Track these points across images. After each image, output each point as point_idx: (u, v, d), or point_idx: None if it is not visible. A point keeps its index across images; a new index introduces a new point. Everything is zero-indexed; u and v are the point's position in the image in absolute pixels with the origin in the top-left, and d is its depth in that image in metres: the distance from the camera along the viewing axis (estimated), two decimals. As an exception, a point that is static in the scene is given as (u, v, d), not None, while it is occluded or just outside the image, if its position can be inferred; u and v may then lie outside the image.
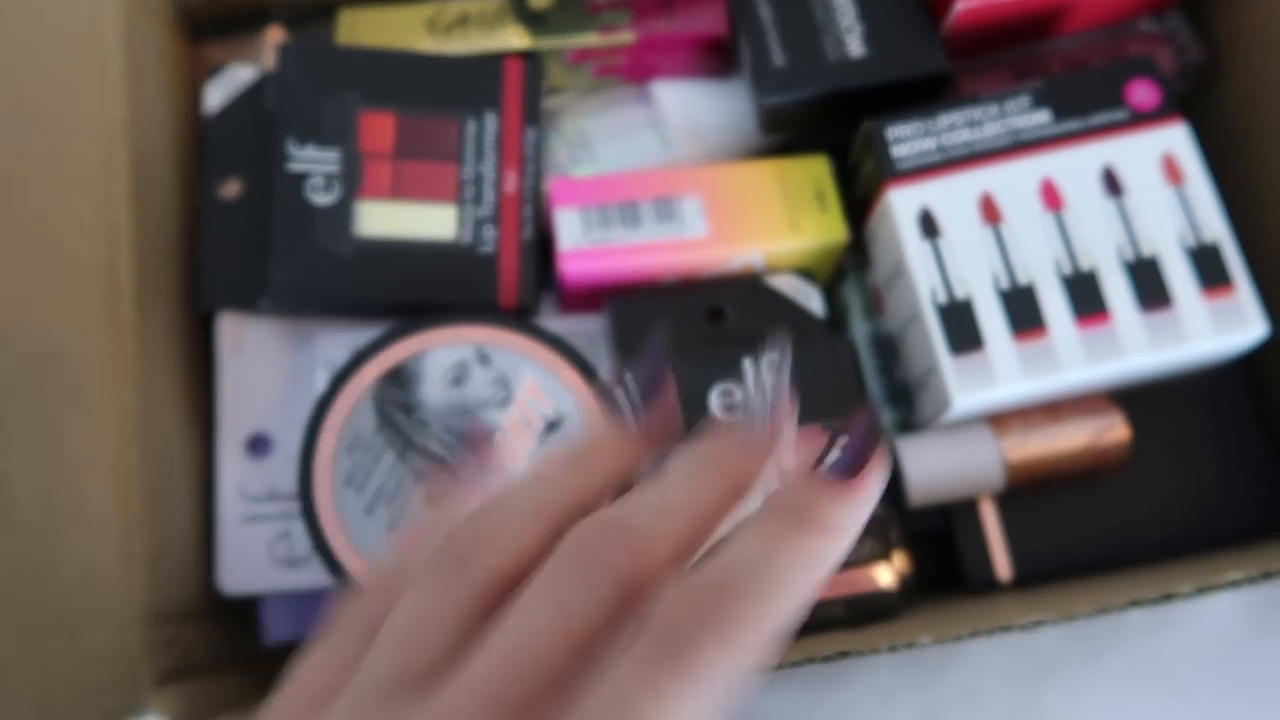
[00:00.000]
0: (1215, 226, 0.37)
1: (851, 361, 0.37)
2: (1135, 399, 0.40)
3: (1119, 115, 0.38)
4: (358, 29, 0.42)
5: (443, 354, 0.36)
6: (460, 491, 0.20)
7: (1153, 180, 0.38)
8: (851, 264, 0.44)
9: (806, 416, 0.36)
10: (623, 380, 0.20)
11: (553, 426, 0.36)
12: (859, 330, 0.43)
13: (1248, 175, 0.42)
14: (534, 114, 0.41)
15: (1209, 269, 0.37)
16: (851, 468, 0.18)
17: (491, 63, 0.41)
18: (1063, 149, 0.38)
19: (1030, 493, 0.40)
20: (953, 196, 0.38)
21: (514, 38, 0.42)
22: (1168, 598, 0.30)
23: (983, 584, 0.39)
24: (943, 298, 0.37)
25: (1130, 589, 0.32)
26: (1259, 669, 0.43)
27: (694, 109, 0.43)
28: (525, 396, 0.36)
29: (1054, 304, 0.37)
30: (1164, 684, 0.43)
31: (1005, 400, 0.37)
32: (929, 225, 0.38)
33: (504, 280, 0.39)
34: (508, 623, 0.15)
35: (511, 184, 0.40)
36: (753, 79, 0.39)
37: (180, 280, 0.41)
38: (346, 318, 0.40)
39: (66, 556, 0.31)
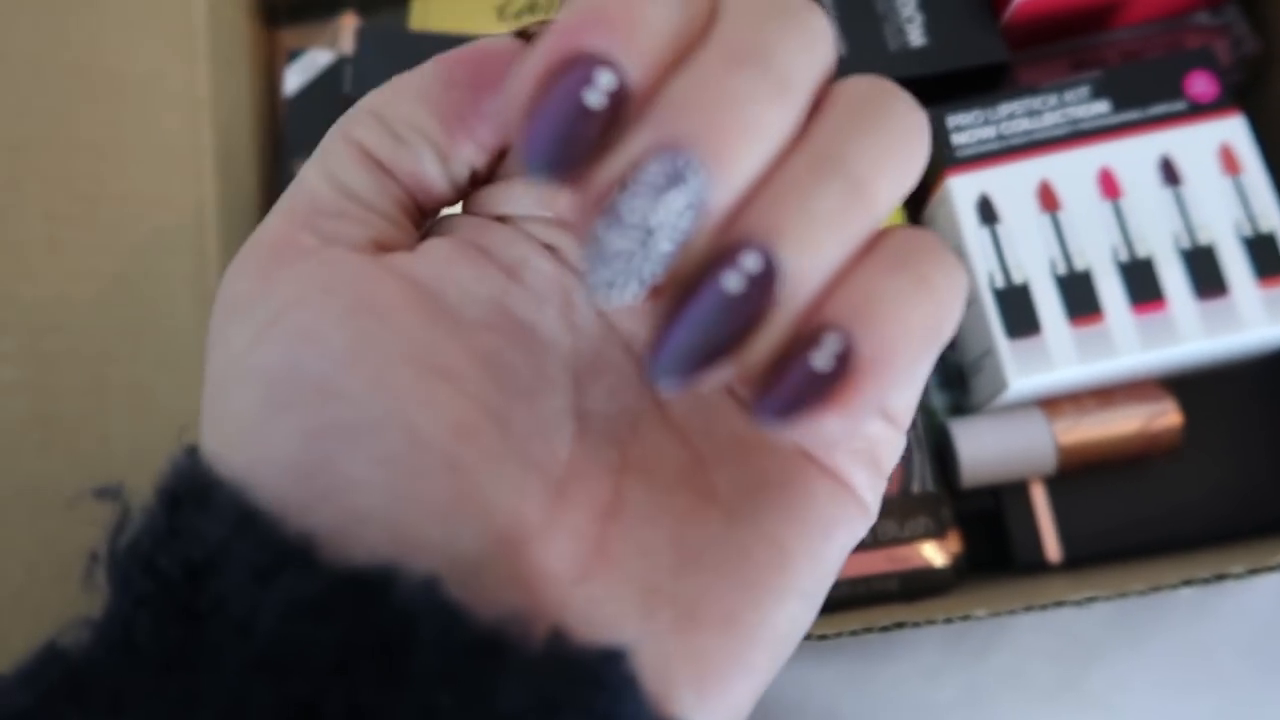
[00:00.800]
0: (1272, 216, 0.38)
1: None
2: (1187, 385, 0.41)
3: (1178, 106, 0.39)
4: (430, 15, 0.44)
5: None
6: None
7: (1210, 170, 0.38)
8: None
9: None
10: None
11: None
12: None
13: (1304, 167, 0.42)
14: (600, 99, 0.42)
15: (1265, 258, 0.37)
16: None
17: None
18: (1121, 139, 0.39)
19: (1081, 476, 0.40)
20: (1011, 184, 0.38)
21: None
22: (1220, 578, 0.31)
23: (1032, 564, 0.40)
24: (1000, 283, 0.38)
25: (1181, 570, 0.33)
26: (1303, 655, 0.44)
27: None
28: None
29: (1110, 290, 0.37)
30: (1206, 669, 0.43)
31: (1060, 384, 0.38)
32: (987, 212, 0.39)
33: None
34: None
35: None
36: (814, 67, 0.40)
37: (258, 256, 0.42)
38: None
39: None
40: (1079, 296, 0.37)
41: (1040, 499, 0.41)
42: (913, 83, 0.41)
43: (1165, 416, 0.39)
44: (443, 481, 0.15)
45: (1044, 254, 0.38)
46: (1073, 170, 0.38)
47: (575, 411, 0.17)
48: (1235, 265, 0.37)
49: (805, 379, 0.14)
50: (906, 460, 0.38)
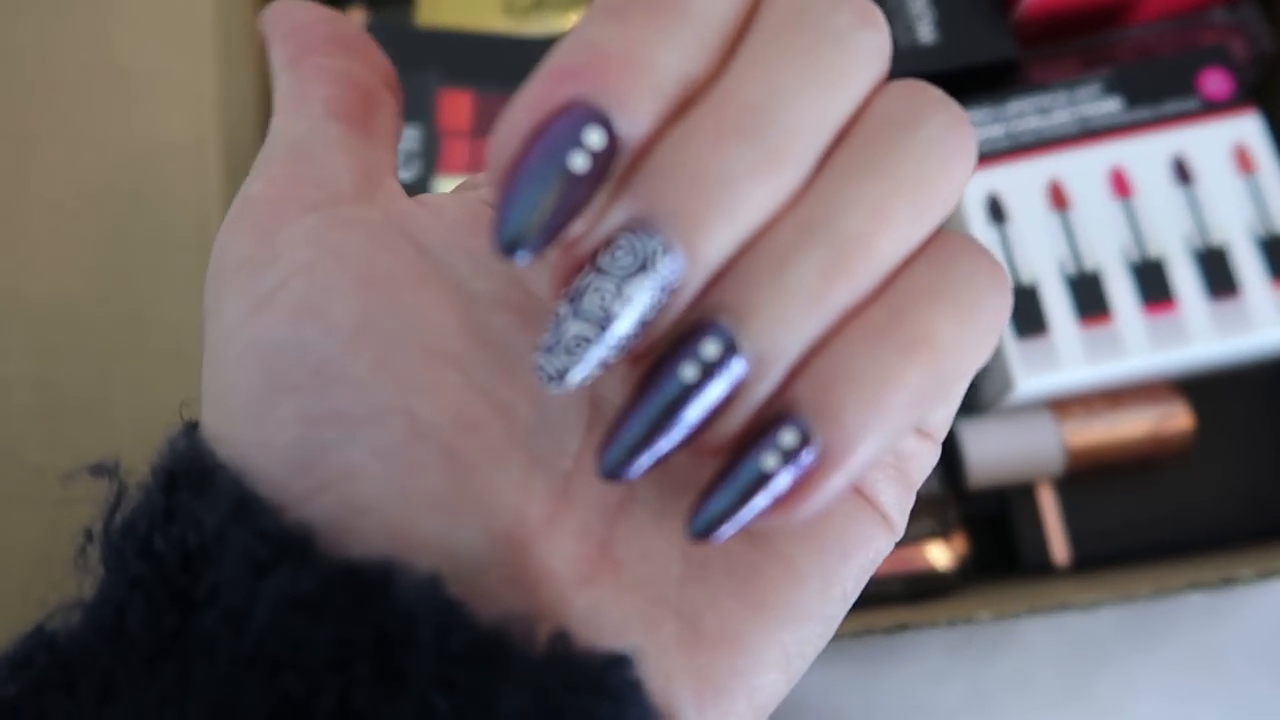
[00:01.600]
0: (1286, 217, 0.37)
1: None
2: (1198, 387, 0.40)
3: (1190, 104, 0.39)
4: (438, 10, 0.43)
5: None
6: None
7: (1223, 170, 0.38)
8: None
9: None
10: None
11: None
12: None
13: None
14: (606, 95, 0.42)
15: (1279, 259, 0.37)
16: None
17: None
18: (1133, 137, 0.38)
19: (1090, 478, 0.40)
20: (1021, 183, 0.38)
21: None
22: (1229, 582, 0.31)
23: (1038, 567, 0.40)
24: (1009, 282, 0.37)
25: (1190, 574, 0.32)
26: (1315, 662, 0.43)
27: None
28: None
29: (1120, 291, 0.37)
30: (1216, 675, 0.43)
31: (1068, 385, 0.37)
32: (996, 211, 0.38)
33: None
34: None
35: (584, 163, 0.41)
36: (822, 64, 0.40)
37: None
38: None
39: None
40: (1088, 297, 0.37)
41: (1048, 501, 0.40)
42: (922, 79, 0.40)
43: (1175, 419, 0.39)
44: (442, 476, 0.14)
45: (1053, 254, 0.37)
46: (1083, 169, 0.38)
47: (589, 401, 0.16)
48: (1248, 266, 0.37)
49: (751, 479, 0.13)
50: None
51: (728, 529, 0.14)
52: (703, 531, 0.14)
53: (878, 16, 0.14)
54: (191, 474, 0.14)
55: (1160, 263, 0.37)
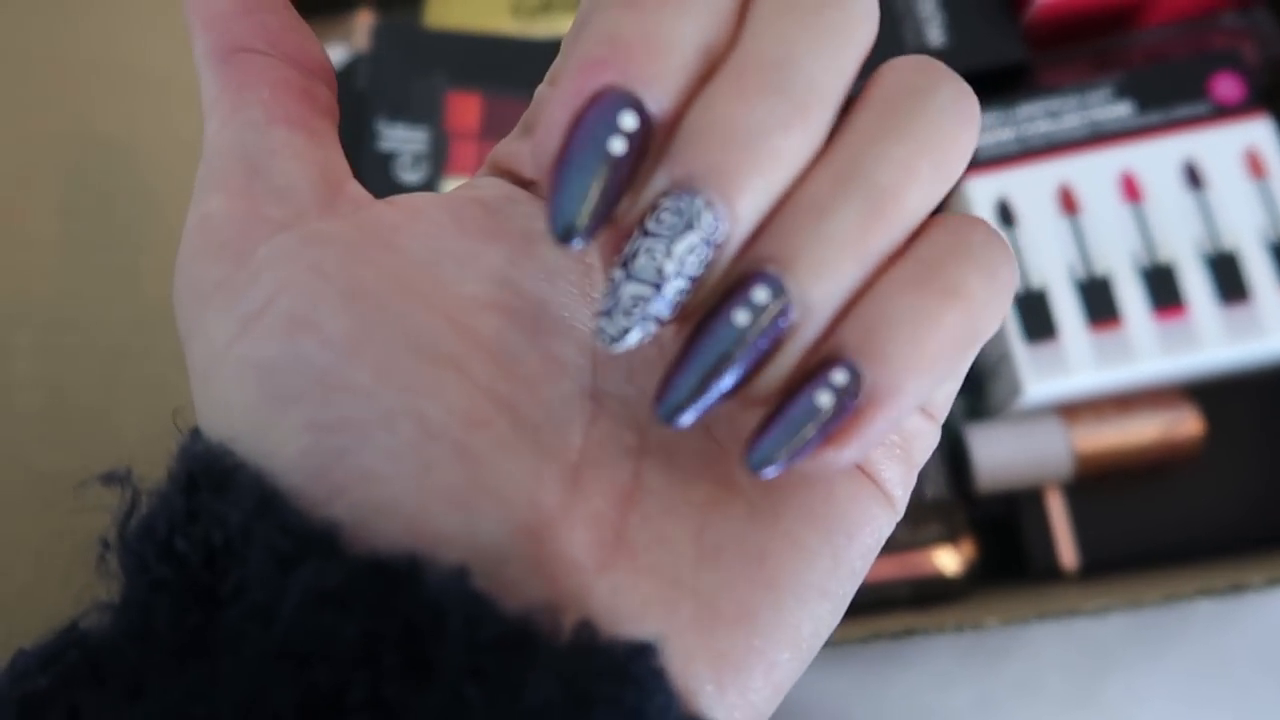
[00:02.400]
0: (1298, 222, 0.37)
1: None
2: (1208, 393, 0.40)
3: (1201, 108, 0.38)
4: (445, 12, 0.43)
5: None
6: None
7: (1235, 175, 0.37)
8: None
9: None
10: None
11: None
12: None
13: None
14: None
15: (1290, 264, 0.36)
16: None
17: (573, 47, 0.42)
18: (1143, 141, 0.38)
19: (1099, 483, 0.40)
20: (1031, 186, 0.38)
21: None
22: (1237, 588, 0.31)
23: (1047, 572, 0.40)
24: (1018, 287, 0.37)
25: (1199, 580, 0.32)
26: (1325, 669, 0.43)
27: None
28: None
29: (1130, 295, 0.37)
30: (1225, 681, 0.43)
31: (1078, 389, 0.37)
32: (1006, 215, 0.38)
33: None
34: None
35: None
36: (831, 67, 0.40)
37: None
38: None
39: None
40: (1098, 301, 0.37)
41: (1057, 506, 0.40)
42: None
43: (1185, 425, 0.39)
44: (457, 471, 0.14)
45: (1063, 258, 0.37)
46: (1093, 173, 0.38)
47: (591, 394, 0.16)
48: (1259, 271, 0.37)
49: (805, 416, 0.14)
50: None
51: (782, 464, 0.14)
52: (758, 465, 0.14)
53: None
54: (212, 474, 0.14)
55: (1171, 267, 0.37)
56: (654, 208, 0.14)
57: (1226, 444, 0.40)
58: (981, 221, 0.15)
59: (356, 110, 0.42)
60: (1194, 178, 0.38)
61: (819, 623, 0.16)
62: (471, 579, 0.13)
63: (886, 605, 0.37)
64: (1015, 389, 0.37)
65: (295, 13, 0.18)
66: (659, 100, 0.14)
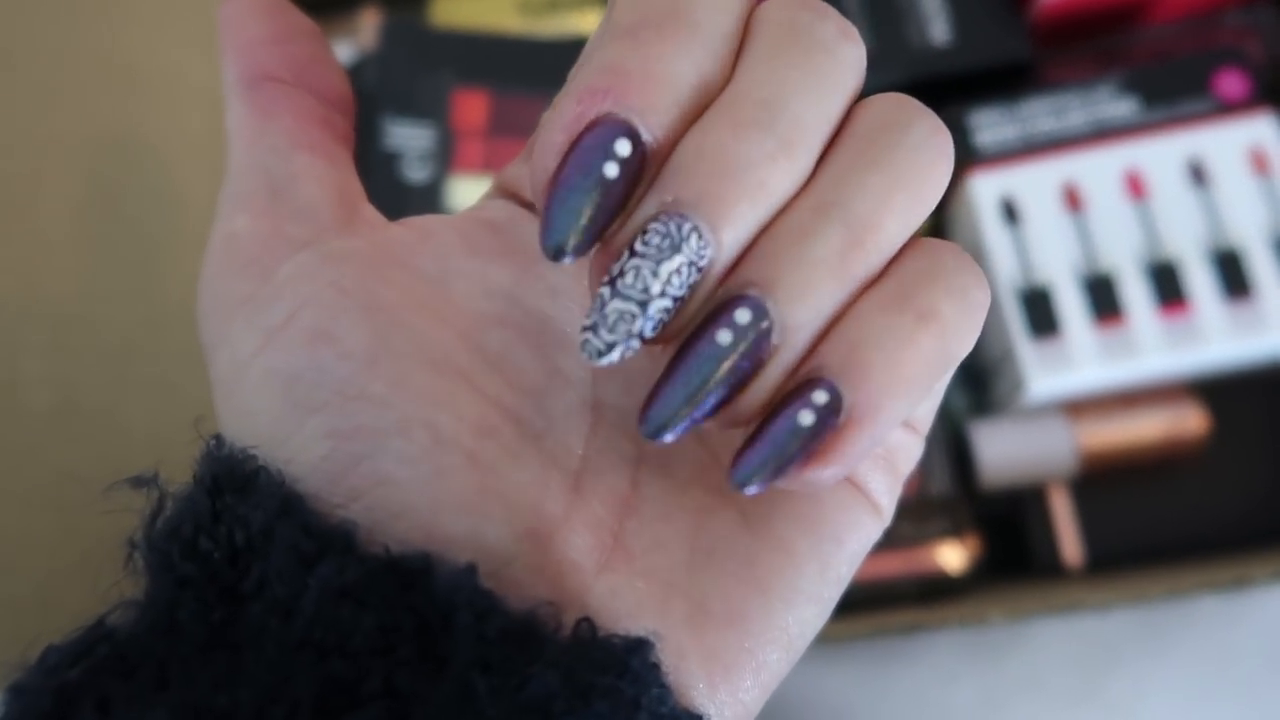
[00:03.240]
0: (1302, 218, 0.37)
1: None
2: (1213, 390, 0.40)
3: (1206, 105, 0.38)
4: (452, 10, 0.44)
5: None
6: None
7: (1239, 172, 0.37)
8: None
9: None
10: None
11: None
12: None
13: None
14: (620, 96, 0.42)
15: (1294, 261, 0.37)
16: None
17: (576, 47, 0.42)
18: (1148, 138, 0.38)
19: (1103, 480, 0.40)
20: (1035, 184, 0.38)
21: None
22: (1241, 583, 0.31)
23: (1051, 568, 0.40)
24: (1022, 283, 0.37)
25: (1203, 576, 0.32)
26: (1329, 665, 0.43)
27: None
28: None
29: (1135, 292, 0.37)
30: (1229, 677, 0.43)
31: (1082, 386, 0.37)
32: (1010, 212, 0.38)
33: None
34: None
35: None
36: (836, 64, 0.40)
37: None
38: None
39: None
40: (1102, 298, 0.37)
41: (1061, 503, 0.40)
42: (935, 80, 0.40)
43: (1190, 421, 0.39)
44: (467, 477, 0.15)
45: (1067, 255, 0.37)
46: (1098, 170, 0.38)
47: (591, 404, 0.17)
48: (1263, 268, 0.37)
49: (787, 435, 0.14)
50: (925, 461, 0.38)
51: (765, 482, 0.15)
52: (741, 483, 0.15)
53: (855, 32, 0.16)
54: (235, 477, 0.15)
55: (1175, 264, 0.37)
56: (643, 230, 0.14)
57: (1231, 441, 0.40)
58: (953, 247, 0.16)
59: (363, 108, 0.42)
60: (1198, 175, 0.38)
61: (806, 625, 0.16)
62: (479, 577, 0.14)
63: (891, 601, 0.37)
64: (1019, 385, 0.37)
65: (323, 43, 0.19)
66: (653, 130, 0.14)
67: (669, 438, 0.15)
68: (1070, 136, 0.38)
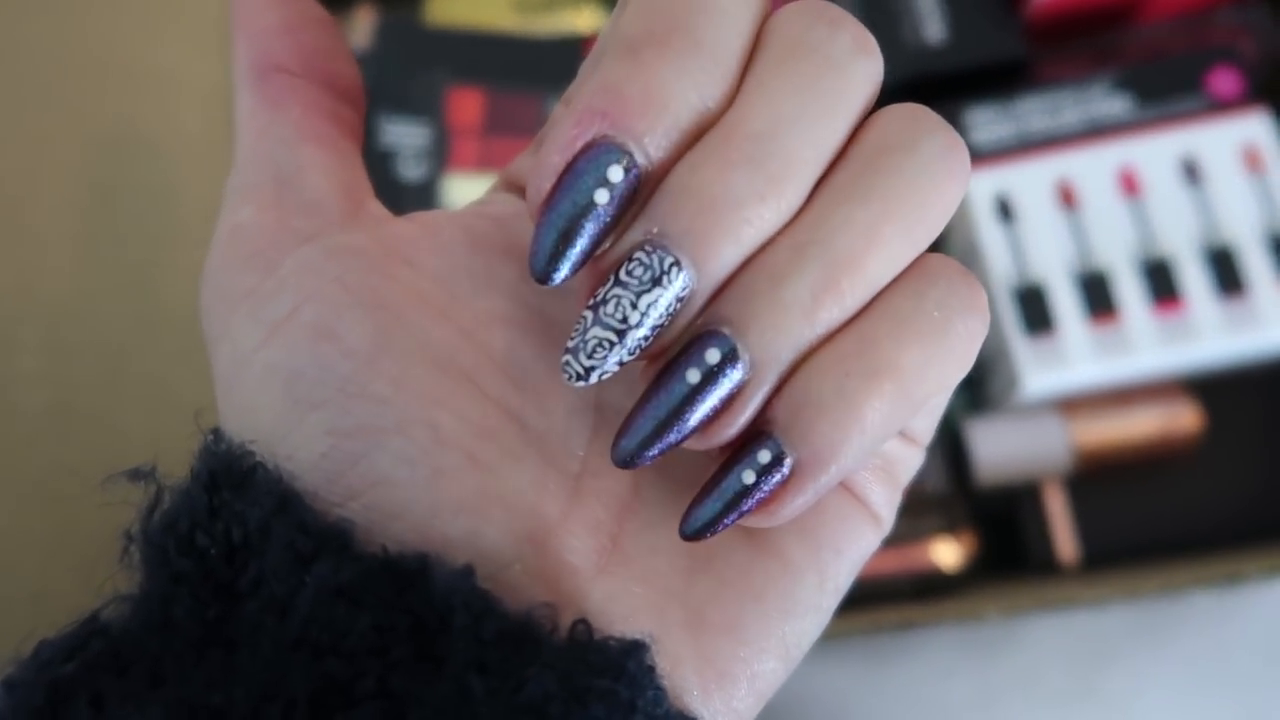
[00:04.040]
0: (1295, 216, 0.37)
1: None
2: (1207, 387, 0.40)
3: (1199, 104, 0.39)
4: (447, 8, 0.44)
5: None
6: None
7: (1232, 169, 0.38)
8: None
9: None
10: None
11: None
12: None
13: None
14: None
15: (1287, 258, 0.37)
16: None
17: (571, 45, 0.42)
18: (1142, 136, 0.38)
19: (1098, 477, 0.40)
20: (1030, 182, 0.38)
21: (597, 18, 0.43)
22: (1235, 580, 0.31)
23: (1046, 565, 0.40)
24: (1016, 281, 0.37)
25: (1198, 573, 0.33)
26: (1323, 661, 0.43)
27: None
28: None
29: (1129, 290, 0.37)
30: (1224, 673, 0.43)
31: (1076, 383, 0.37)
32: (1005, 210, 0.38)
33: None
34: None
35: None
36: (831, 62, 0.40)
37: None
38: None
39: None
40: (1096, 295, 0.37)
41: (1056, 500, 0.40)
42: (930, 79, 0.40)
43: (1184, 418, 0.39)
44: (466, 478, 0.15)
45: (1062, 253, 0.37)
46: (1092, 168, 0.38)
47: (594, 405, 0.17)
48: (1257, 265, 0.37)
49: (735, 490, 0.15)
50: (920, 459, 0.38)
51: (713, 531, 0.15)
52: (692, 535, 0.15)
53: (873, 44, 0.15)
54: (232, 473, 0.15)
55: (1169, 262, 0.37)
56: (628, 258, 0.14)
57: (1225, 438, 0.40)
58: (948, 270, 0.15)
59: (358, 107, 0.42)
60: (1192, 173, 0.38)
61: (803, 635, 0.16)
62: (477, 578, 0.14)
63: (887, 598, 0.37)
64: (1014, 383, 0.37)
65: (336, 33, 0.19)
66: (649, 153, 0.14)
67: (640, 463, 0.15)
68: (1064, 134, 0.39)
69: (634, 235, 0.15)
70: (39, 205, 0.38)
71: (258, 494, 0.14)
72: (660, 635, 0.15)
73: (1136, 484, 0.40)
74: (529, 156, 0.19)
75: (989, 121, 0.39)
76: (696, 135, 0.15)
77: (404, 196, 0.40)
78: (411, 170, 0.40)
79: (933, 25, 0.41)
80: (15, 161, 0.37)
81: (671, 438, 0.15)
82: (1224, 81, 0.39)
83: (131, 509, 0.15)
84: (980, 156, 0.39)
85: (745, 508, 0.15)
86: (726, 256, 0.14)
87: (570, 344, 0.15)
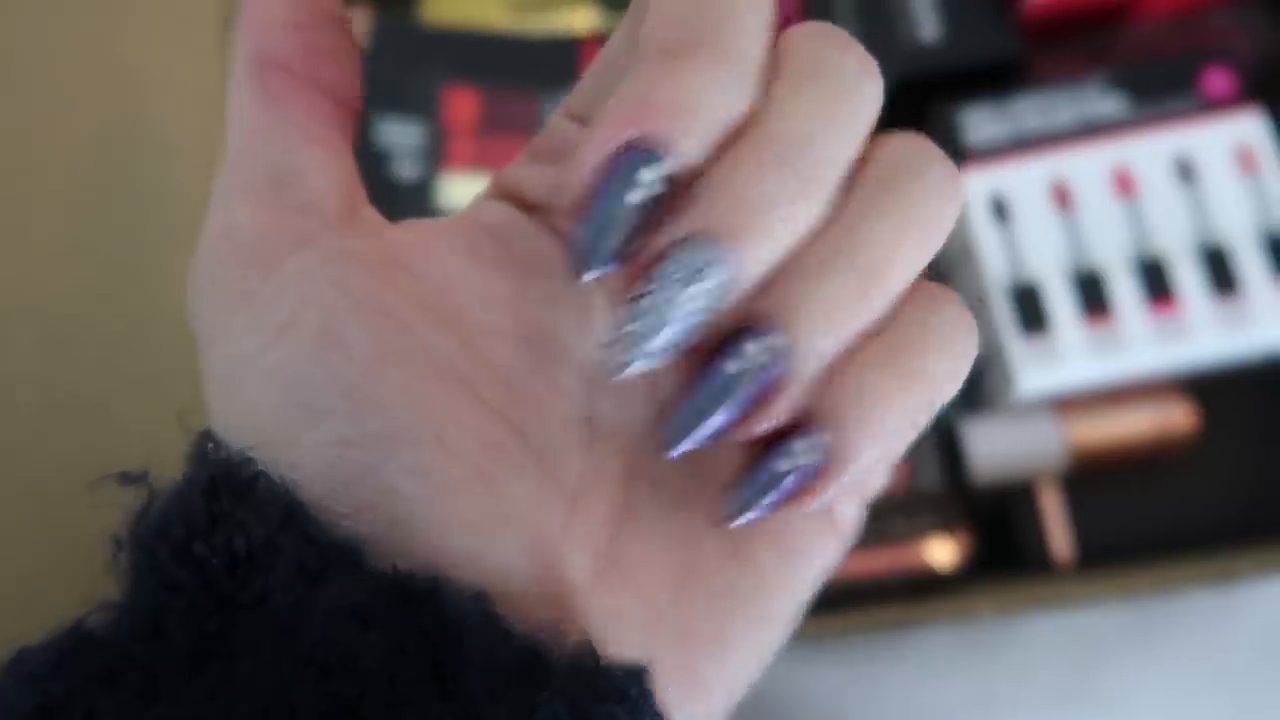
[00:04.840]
0: (1289, 216, 0.37)
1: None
2: (1201, 386, 0.40)
3: (1193, 103, 0.39)
4: (442, 6, 0.44)
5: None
6: None
7: (1226, 169, 0.38)
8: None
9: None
10: None
11: None
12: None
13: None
14: (611, 93, 0.42)
15: (1281, 258, 0.37)
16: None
17: (566, 44, 0.42)
18: (1136, 136, 0.38)
19: (1093, 476, 0.40)
20: (1024, 181, 0.38)
21: (593, 18, 0.43)
22: (1230, 579, 0.31)
23: (1041, 564, 0.40)
24: (1011, 280, 0.37)
25: (1193, 572, 0.33)
26: (1317, 659, 0.43)
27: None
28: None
29: (1123, 289, 0.37)
30: (1220, 672, 0.43)
31: (1071, 382, 0.37)
32: (1000, 210, 0.38)
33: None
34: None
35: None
36: (826, 62, 0.40)
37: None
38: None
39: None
40: (1091, 295, 0.37)
41: (1050, 499, 0.41)
42: (925, 78, 0.40)
43: (1178, 418, 0.39)
44: (475, 493, 0.15)
45: (1057, 253, 0.38)
46: (1087, 168, 0.38)
47: (586, 420, 0.17)
48: (1251, 265, 0.37)
49: (772, 478, 0.16)
50: (915, 457, 0.38)
51: (749, 516, 0.16)
52: (730, 518, 0.16)
53: (875, 67, 0.16)
54: (233, 481, 0.14)
55: (1163, 261, 0.37)
56: (666, 255, 0.15)
57: (1219, 436, 0.40)
58: (951, 295, 0.17)
59: (353, 106, 0.42)
60: (1186, 172, 0.38)
61: (775, 644, 0.17)
62: (489, 600, 0.14)
63: (881, 597, 0.37)
64: (1009, 382, 0.37)
65: (345, 31, 0.18)
66: (682, 157, 0.15)
67: (680, 450, 0.15)
68: (1059, 134, 0.39)
69: (671, 234, 0.15)
70: (32, 205, 0.37)
71: (261, 504, 0.14)
72: (651, 649, 0.16)
73: (1131, 483, 0.40)
74: (523, 165, 0.18)
75: (983, 121, 0.39)
76: (729, 137, 0.15)
77: (399, 196, 0.40)
78: (407, 170, 0.40)
79: (928, 25, 0.41)
80: (11, 160, 0.37)
81: (710, 428, 0.15)
82: (1218, 81, 0.39)
83: (126, 510, 0.14)
84: (975, 156, 0.39)
85: (782, 493, 0.16)
86: (763, 254, 0.15)
87: (608, 339, 0.15)
